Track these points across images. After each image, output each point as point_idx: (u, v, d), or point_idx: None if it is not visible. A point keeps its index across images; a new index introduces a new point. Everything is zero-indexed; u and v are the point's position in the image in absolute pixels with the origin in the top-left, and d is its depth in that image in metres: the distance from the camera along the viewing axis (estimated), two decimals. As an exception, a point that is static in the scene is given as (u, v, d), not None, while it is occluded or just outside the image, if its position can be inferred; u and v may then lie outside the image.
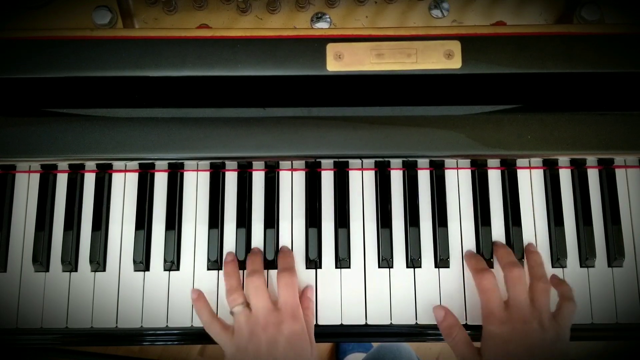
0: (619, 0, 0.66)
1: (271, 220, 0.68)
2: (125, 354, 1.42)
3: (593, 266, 0.67)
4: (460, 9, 0.69)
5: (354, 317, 0.66)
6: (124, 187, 0.69)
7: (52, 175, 0.69)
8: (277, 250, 0.67)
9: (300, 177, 0.69)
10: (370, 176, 0.69)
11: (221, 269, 0.67)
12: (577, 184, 0.69)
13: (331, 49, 0.61)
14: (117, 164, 0.68)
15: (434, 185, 0.68)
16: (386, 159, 0.68)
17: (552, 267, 0.67)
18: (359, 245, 0.68)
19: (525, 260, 0.66)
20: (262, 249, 0.68)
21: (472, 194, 0.69)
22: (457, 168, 0.69)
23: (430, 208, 0.68)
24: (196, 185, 0.69)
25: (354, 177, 0.69)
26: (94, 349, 1.18)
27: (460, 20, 0.69)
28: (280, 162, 0.68)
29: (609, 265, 0.67)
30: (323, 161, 0.68)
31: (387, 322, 0.66)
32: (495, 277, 0.63)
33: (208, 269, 0.67)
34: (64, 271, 0.67)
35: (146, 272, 0.67)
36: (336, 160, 0.68)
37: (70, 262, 0.66)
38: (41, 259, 0.66)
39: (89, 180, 0.69)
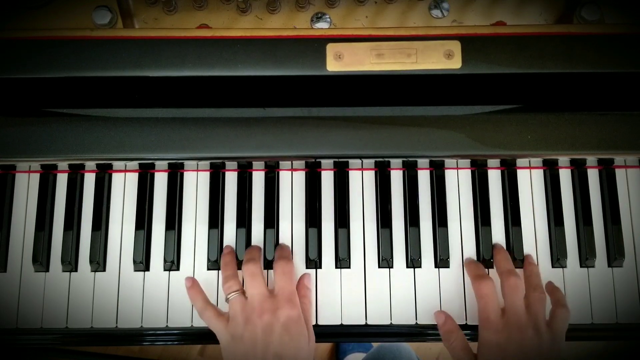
0: (619, 0, 0.66)
1: (271, 220, 0.68)
2: (125, 354, 1.42)
3: (593, 266, 0.67)
4: (460, 9, 0.69)
5: (354, 317, 0.66)
6: (124, 187, 0.69)
7: (52, 175, 0.69)
8: (277, 250, 0.67)
9: (300, 177, 0.69)
10: (370, 176, 0.69)
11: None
12: (577, 184, 0.69)
13: (331, 49, 0.61)
14: (117, 164, 0.68)
15: (434, 185, 0.68)
16: (386, 159, 0.68)
17: (552, 267, 0.67)
18: (359, 245, 0.68)
19: (523, 268, 0.66)
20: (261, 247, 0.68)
21: (472, 194, 0.69)
22: (457, 168, 0.69)
23: (430, 208, 0.68)
24: (196, 185, 0.69)
25: (354, 177, 0.69)
26: (94, 349, 1.18)
27: (460, 20, 0.69)
28: (280, 162, 0.68)
29: (609, 265, 0.67)
30: (323, 161, 0.68)
31: (387, 322, 0.66)
32: (494, 284, 0.63)
33: (208, 269, 0.67)
34: (64, 271, 0.67)
35: (146, 272, 0.67)
36: (336, 160, 0.68)
37: (70, 262, 0.66)
38: (41, 259, 0.66)
39: (89, 180, 0.69)
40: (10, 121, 0.62)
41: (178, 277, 0.67)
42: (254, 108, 0.63)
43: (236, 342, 0.60)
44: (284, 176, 0.69)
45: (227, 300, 0.63)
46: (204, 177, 0.69)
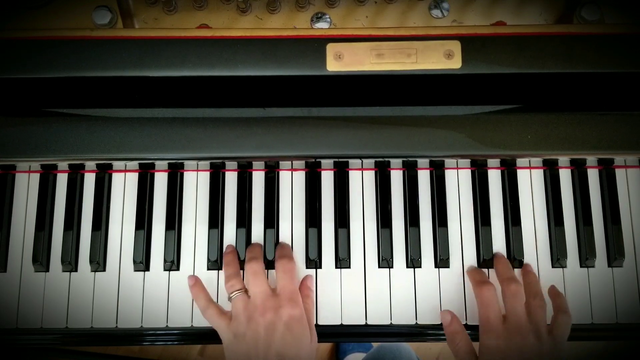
0: (619, 0, 0.66)
1: (271, 220, 0.68)
2: (125, 354, 1.42)
3: (593, 266, 0.67)
4: (460, 9, 0.69)
5: (354, 317, 0.66)
6: (124, 187, 0.69)
7: (52, 175, 0.69)
8: (277, 250, 0.67)
9: (300, 177, 0.69)
10: (370, 176, 0.69)
11: (221, 269, 0.67)
12: (577, 184, 0.69)
13: (331, 49, 0.61)
14: (117, 164, 0.68)
15: (434, 185, 0.68)
16: (386, 159, 0.68)
17: (552, 267, 0.67)
18: (359, 245, 0.68)
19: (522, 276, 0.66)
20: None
21: (472, 194, 0.69)
22: (457, 168, 0.69)
23: (430, 208, 0.68)
24: (196, 185, 0.69)
25: (354, 177, 0.69)
26: (94, 349, 1.18)
27: (460, 20, 0.69)
28: (280, 162, 0.68)
29: (609, 265, 0.67)
30: (323, 161, 0.68)
31: (387, 322, 0.66)
32: (495, 290, 0.63)
33: (208, 269, 0.67)
34: (64, 271, 0.67)
35: (146, 272, 0.67)
36: (336, 160, 0.68)
37: (70, 262, 0.66)
38: (41, 259, 0.66)
39: (89, 180, 0.69)
40: (10, 121, 0.62)
41: (178, 277, 0.67)
42: (254, 108, 0.63)
43: (238, 340, 0.60)
44: (284, 176, 0.69)
45: (229, 298, 0.63)
46: (204, 177, 0.69)
